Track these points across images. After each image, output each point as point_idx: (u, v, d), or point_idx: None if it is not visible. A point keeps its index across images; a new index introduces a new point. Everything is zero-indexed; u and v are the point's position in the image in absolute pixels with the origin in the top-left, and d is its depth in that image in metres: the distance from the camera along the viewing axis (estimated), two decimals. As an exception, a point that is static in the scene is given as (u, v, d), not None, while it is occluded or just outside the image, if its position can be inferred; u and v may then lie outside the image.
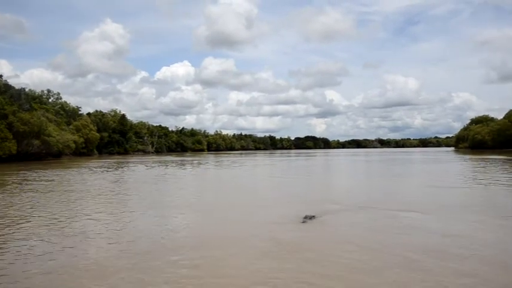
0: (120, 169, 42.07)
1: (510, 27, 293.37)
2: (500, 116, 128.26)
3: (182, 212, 14.45)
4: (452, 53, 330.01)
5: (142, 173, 36.81)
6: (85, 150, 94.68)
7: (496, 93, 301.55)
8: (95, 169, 41.48)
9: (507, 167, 38.07)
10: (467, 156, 73.11)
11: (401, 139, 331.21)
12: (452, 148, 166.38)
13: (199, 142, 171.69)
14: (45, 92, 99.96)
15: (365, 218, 12.48)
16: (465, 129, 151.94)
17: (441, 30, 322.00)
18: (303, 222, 11.84)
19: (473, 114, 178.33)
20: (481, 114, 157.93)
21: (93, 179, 29.16)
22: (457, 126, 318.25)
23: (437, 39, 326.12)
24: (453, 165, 46.00)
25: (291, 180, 29.05)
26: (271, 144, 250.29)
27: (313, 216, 12.42)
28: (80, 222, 12.32)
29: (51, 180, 27.48)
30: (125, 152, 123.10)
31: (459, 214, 12.87)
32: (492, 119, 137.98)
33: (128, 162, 57.78)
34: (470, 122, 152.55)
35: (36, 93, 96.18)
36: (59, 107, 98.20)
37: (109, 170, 40.80)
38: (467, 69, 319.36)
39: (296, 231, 10.74)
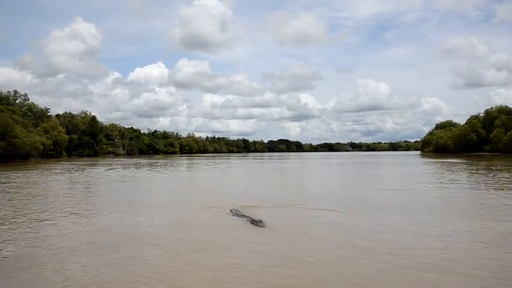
0: (77, 172, 42.48)
1: (475, 35, 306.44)
2: (465, 121, 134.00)
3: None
4: (421, 59, 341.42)
5: (97, 176, 37.40)
6: (53, 152, 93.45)
7: (462, 99, 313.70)
8: (54, 171, 41.80)
9: (454, 169, 40.79)
10: (427, 160, 76.68)
11: (373, 143, 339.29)
12: (419, 152, 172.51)
13: (172, 145, 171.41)
14: (12, 92, 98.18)
15: (278, 214, 14.16)
16: (430, 133, 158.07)
17: (411, 37, 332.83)
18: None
19: (441, 119, 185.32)
20: (449, 119, 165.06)
21: (44, 180, 29.79)
22: (426, 131, 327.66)
23: (408, 45, 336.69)
24: (408, 168, 48.70)
25: (241, 181, 30.56)
26: (244, 147, 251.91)
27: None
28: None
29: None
30: (95, 154, 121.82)
31: (376, 213, 14.48)
32: (455, 125, 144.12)
33: (91, 165, 57.86)
34: (436, 127, 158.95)
35: (3, 94, 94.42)
36: (26, 109, 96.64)
37: (62, 172, 41.21)
38: (436, 75, 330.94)
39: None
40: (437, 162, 63.24)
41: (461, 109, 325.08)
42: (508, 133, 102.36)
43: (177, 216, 13.88)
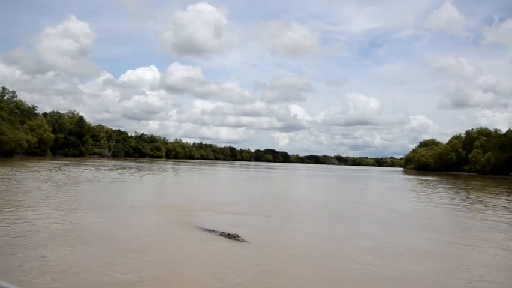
0: (55, 171, 43.40)
1: (464, 56, 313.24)
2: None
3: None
4: (411, 76, 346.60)
5: (73, 175, 38.46)
6: (38, 150, 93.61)
7: (449, 118, 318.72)
8: (35, 170, 42.70)
9: (423, 186, 42.79)
10: (405, 176, 78.96)
11: (359, 157, 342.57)
12: (402, 169, 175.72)
13: (158, 149, 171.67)
14: (0, 89, 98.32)
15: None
16: (413, 151, 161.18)
17: (403, 54, 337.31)
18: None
19: (428, 137, 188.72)
20: (435, 137, 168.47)
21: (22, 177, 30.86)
22: (411, 148, 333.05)
23: (399, 62, 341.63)
24: (379, 183, 50.67)
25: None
26: (231, 155, 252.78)
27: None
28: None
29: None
30: (81, 155, 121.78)
31: (314, 221, 16.10)
32: (437, 143, 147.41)
33: (71, 165, 58.63)
34: (419, 145, 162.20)
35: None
36: (14, 105, 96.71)
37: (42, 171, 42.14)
38: (425, 93, 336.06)
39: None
40: (413, 179, 65.44)
41: (447, 128, 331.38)
42: (486, 155, 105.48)
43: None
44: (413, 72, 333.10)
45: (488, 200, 28.38)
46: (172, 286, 7.58)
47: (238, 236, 11.64)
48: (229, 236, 11.73)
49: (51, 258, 8.87)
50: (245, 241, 11.33)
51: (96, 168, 50.89)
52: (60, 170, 44.04)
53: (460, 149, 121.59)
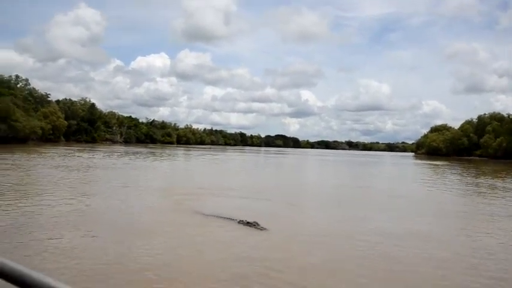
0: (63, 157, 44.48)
1: (478, 41, 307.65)
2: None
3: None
4: (424, 62, 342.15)
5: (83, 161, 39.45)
6: (52, 137, 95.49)
7: (462, 104, 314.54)
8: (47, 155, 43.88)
9: (432, 171, 42.98)
10: (416, 161, 78.91)
11: (370, 142, 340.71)
12: (412, 154, 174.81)
13: (169, 135, 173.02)
14: (13, 77, 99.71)
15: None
16: (425, 136, 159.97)
17: (416, 40, 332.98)
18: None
19: (441, 123, 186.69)
20: (448, 122, 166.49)
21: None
22: (424, 133, 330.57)
23: (412, 47, 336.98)
24: (391, 168, 50.91)
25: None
26: (241, 140, 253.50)
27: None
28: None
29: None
30: (93, 141, 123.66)
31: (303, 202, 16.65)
32: (449, 129, 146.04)
33: (85, 151, 59.86)
34: (430, 130, 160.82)
35: (5, 78, 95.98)
36: (27, 93, 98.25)
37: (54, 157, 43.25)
38: (438, 79, 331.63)
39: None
40: (422, 163, 65.44)
41: (460, 113, 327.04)
42: (497, 139, 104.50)
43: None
44: (425, 57, 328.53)
45: (500, 185, 28.59)
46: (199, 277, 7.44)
47: (257, 224, 11.43)
48: (248, 224, 11.52)
49: (65, 240, 9.56)
50: (265, 229, 11.16)
51: (109, 154, 52.00)
52: (74, 156, 45.17)
53: (471, 134, 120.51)
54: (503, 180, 33.24)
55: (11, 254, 8.02)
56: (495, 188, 26.37)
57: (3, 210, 12.25)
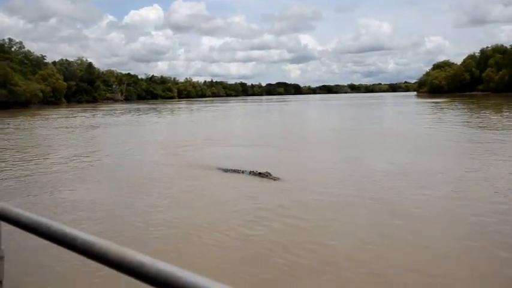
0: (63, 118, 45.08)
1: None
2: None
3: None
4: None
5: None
6: (53, 99, 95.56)
7: (466, 37, 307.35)
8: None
9: (430, 109, 43.40)
10: (417, 100, 78.87)
11: (372, 84, 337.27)
12: (415, 93, 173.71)
13: (170, 90, 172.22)
14: (7, 40, 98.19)
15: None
16: (427, 74, 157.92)
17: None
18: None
19: (444, 59, 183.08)
20: (452, 58, 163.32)
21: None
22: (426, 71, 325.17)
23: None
24: (391, 108, 51.28)
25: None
26: (242, 90, 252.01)
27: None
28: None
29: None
30: (94, 100, 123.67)
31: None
32: (451, 65, 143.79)
33: (88, 111, 60.38)
34: (433, 67, 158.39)
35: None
36: (23, 56, 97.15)
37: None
38: (440, 13, 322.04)
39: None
40: (423, 102, 65.58)
41: (464, 48, 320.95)
42: (500, 72, 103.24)
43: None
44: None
45: (501, 120, 29.07)
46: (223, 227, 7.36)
47: (270, 174, 11.21)
48: (260, 175, 11.29)
49: (78, 194, 10.31)
50: (278, 178, 10.97)
51: (113, 112, 52.54)
52: (76, 116, 45.79)
53: (473, 69, 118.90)
54: (502, 115, 33.74)
55: (33, 205, 8.85)
56: (494, 124, 26.93)
57: (16, 168, 13.08)
